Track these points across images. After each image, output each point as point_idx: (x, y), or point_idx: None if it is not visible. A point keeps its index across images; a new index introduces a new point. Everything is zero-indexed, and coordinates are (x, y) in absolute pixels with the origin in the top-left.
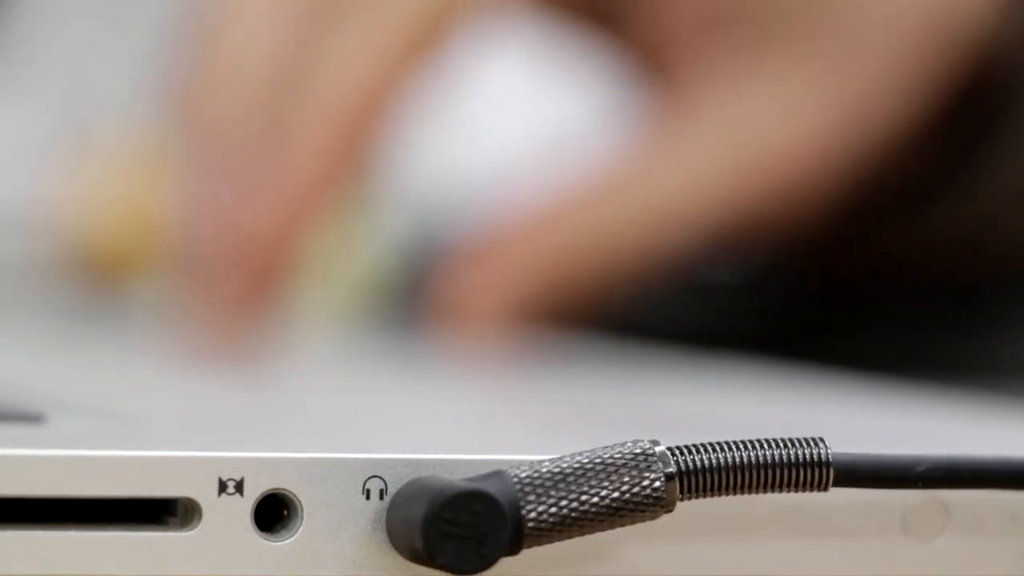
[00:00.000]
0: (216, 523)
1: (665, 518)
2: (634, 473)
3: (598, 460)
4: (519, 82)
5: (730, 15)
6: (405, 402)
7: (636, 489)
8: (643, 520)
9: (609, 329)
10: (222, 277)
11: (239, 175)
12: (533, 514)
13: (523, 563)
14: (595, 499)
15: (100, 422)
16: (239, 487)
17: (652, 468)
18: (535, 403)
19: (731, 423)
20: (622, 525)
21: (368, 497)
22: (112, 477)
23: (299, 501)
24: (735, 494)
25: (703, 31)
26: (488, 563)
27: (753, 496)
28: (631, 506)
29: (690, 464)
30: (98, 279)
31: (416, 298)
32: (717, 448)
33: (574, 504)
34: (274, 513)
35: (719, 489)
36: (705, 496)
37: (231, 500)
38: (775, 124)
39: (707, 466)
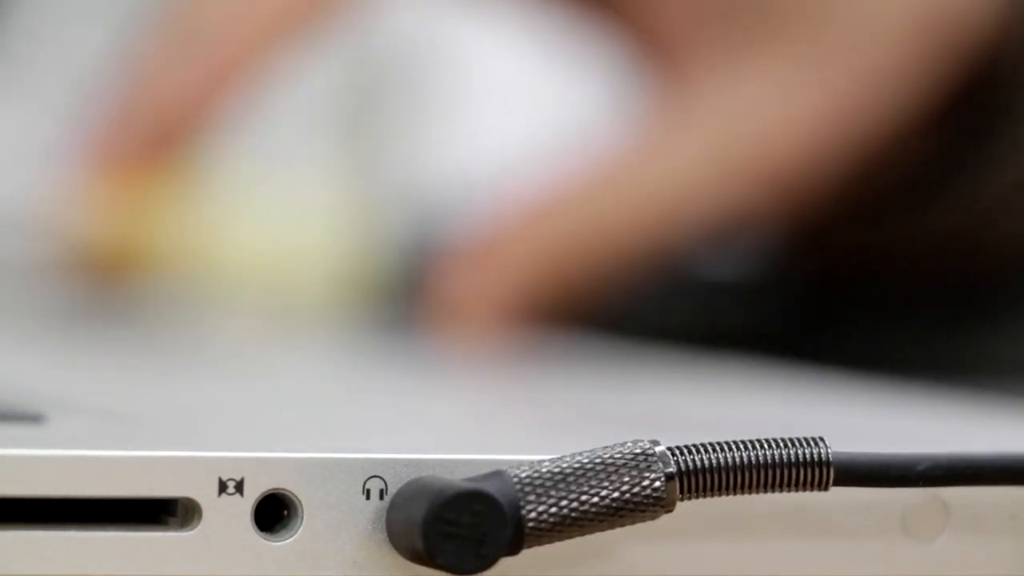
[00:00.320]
0: (216, 523)
1: (665, 518)
2: (634, 473)
3: (598, 460)
4: (518, 76)
5: (729, 3)
6: (405, 402)
7: (636, 489)
8: (643, 520)
9: (609, 329)
10: (129, 126)
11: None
12: (533, 514)
13: (523, 563)
14: (595, 499)
15: (100, 422)
16: (239, 487)
17: (652, 468)
18: (535, 403)
19: (731, 423)
20: (622, 525)
21: (368, 497)
22: (112, 477)
23: (299, 501)
24: (735, 494)
25: (701, 19)
26: (488, 563)
27: (753, 496)
28: (631, 506)
29: (690, 464)
30: (98, 279)
31: (415, 298)
32: (717, 448)
33: (574, 504)
34: (274, 513)
35: (719, 489)
36: (705, 496)
37: (231, 500)
38: (773, 114)
39: (707, 466)
